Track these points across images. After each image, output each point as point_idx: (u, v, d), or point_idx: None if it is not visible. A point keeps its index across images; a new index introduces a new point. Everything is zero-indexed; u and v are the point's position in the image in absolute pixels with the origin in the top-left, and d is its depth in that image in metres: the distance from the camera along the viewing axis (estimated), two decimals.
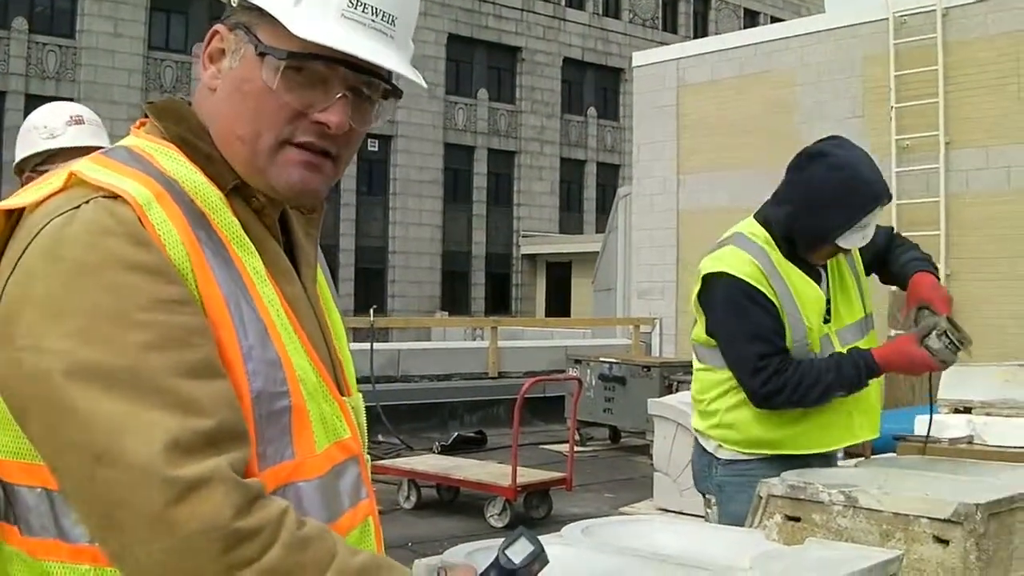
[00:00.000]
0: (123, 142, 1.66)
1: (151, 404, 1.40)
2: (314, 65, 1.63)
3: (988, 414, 6.57)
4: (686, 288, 19.03)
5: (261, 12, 1.62)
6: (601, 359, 15.04)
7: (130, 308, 1.43)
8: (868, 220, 3.88)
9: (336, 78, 1.65)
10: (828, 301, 4.07)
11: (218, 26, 1.68)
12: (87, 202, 1.49)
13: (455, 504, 10.74)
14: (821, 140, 4.07)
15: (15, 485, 1.51)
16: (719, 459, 4.13)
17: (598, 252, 27.59)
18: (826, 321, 4.05)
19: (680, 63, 19.96)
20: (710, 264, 4.07)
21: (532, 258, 48.03)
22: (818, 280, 4.06)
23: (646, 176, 20.55)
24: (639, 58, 21.27)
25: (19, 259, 1.47)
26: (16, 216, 1.54)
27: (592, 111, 51.12)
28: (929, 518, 3.11)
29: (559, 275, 46.29)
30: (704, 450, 4.21)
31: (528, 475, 10.25)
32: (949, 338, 3.83)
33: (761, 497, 3.42)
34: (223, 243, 1.59)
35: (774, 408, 3.96)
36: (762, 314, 3.92)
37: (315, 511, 1.60)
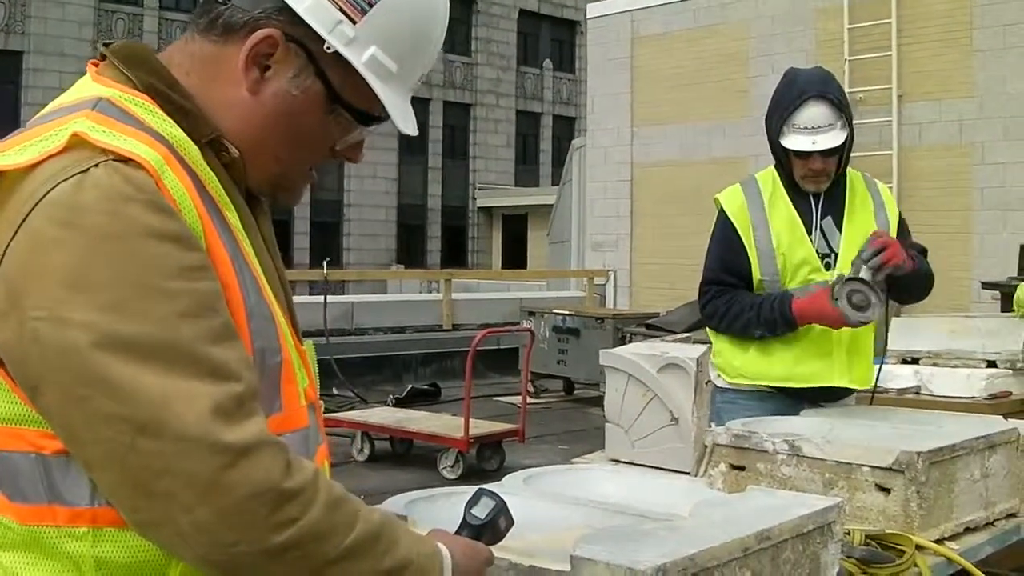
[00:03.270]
0: (96, 91, 1.58)
1: (189, 373, 1.40)
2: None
3: (935, 364, 6.66)
4: (640, 240, 19.23)
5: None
6: (555, 311, 15.05)
7: (158, 277, 1.41)
8: (804, 120, 4.00)
9: None
10: (834, 252, 4.15)
11: (272, 32, 1.61)
12: (96, 165, 1.43)
13: (408, 456, 10.74)
14: None
15: (2, 451, 1.48)
16: (717, 387, 4.43)
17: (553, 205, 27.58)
18: (828, 267, 4.13)
19: (634, 15, 19.89)
20: (719, 195, 4.35)
21: (488, 211, 47.96)
22: (809, 218, 4.16)
23: (600, 128, 20.53)
24: (593, 9, 21.18)
25: (21, 224, 1.41)
26: None
27: (548, 63, 50.94)
28: (871, 466, 3.14)
29: (515, 228, 46.25)
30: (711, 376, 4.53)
31: (481, 427, 10.27)
32: (852, 299, 3.85)
33: (706, 446, 3.43)
34: (214, 202, 1.57)
35: (713, 330, 4.33)
36: (724, 247, 4.23)
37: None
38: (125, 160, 1.45)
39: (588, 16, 21.30)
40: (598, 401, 13.00)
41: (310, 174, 1.77)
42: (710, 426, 4.27)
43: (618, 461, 8.68)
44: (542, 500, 2.72)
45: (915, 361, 6.75)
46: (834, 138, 4.01)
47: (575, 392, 15.08)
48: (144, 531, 1.43)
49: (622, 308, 18.23)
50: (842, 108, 4.04)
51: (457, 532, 1.75)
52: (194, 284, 1.44)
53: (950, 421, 3.85)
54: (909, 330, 6.99)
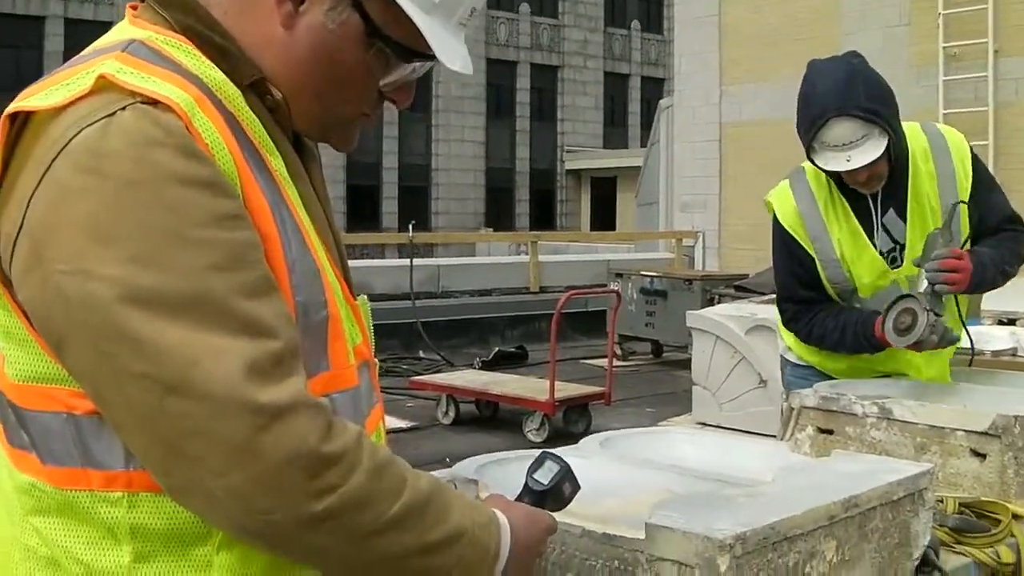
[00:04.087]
0: (131, 33, 1.49)
1: (220, 329, 1.32)
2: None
3: None
4: (729, 201, 19.05)
5: None
6: (642, 273, 14.94)
7: (187, 227, 1.32)
8: (832, 138, 3.60)
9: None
10: (900, 246, 3.85)
11: None
12: (123, 108, 1.34)
13: (494, 420, 10.71)
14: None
15: (33, 411, 1.43)
16: (787, 360, 4.27)
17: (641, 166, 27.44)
18: (894, 262, 3.86)
19: None
20: (770, 198, 4.06)
21: (576, 173, 47.91)
22: (869, 219, 3.85)
23: (687, 87, 20.30)
24: None
25: (45, 172, 1.33)
26: (22, 120, 1.40)
27: (636, 24, 50.65)
28: (966, 431, 3.03)
29: (604, 190, 46.15)
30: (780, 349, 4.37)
31: (567, 390, 10.20)
32: (897, 322, 3.60)
33: (793, 408, 3.33)
34: (255, 147, 1.49)
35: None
36: (791, 260, 3.96)
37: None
38: (154, 103, 1.36)
39: None
40: (686, 364, 12.88)
41: (364, 116, 1.66)
42: (782, 396, 4.14)
43: (705, 424, 8.59)
44: (619, 464, 2.64)
45: (1012, 323, 6.54)
46: (870, 151, 3.60)
47: (663, 355, 14.96)
48: (177, 496, 1.36)
49: (711, 270, 18.07)
50: (872, 117, 3.59)
51: (518, 498, 1.67)
52: (227, 234, 1.35)
53: None
54: (1005, 289, 6.78)
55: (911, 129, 3.86)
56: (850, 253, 3.86)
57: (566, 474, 1.69)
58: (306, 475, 1.32)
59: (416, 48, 1.57)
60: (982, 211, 3.85)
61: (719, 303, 12.17)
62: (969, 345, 4.05)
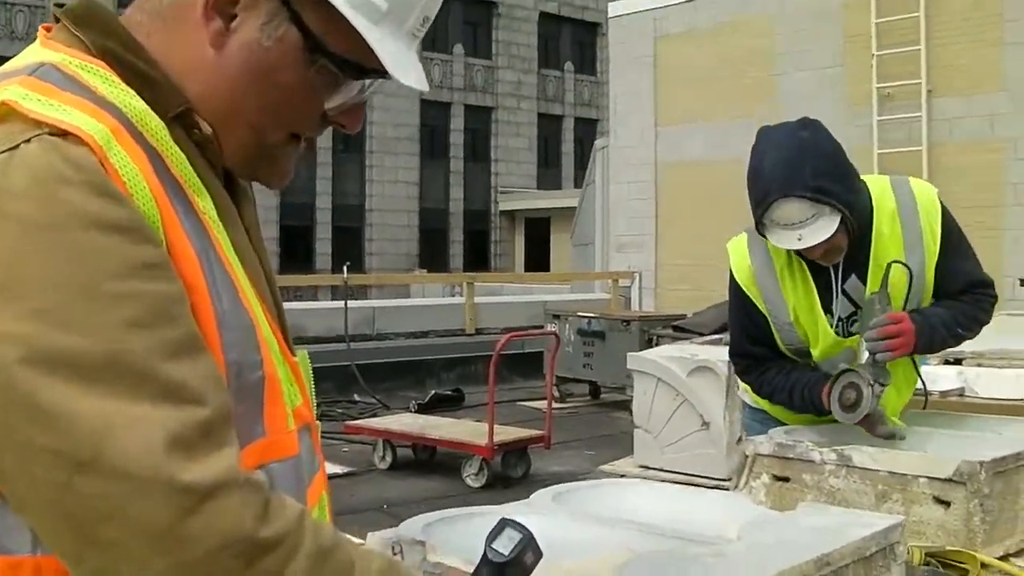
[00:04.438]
0: (41, 56, 1.34)
1: (139, 396, 1.15)
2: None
3: (979, 365, 6.41)
4: (665, 241, 19.03)
5: None
6: (579, 314, 14.89)
7: (101, 278, 1.16)
8: (780, 217, 3.42)
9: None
10: (859, 309, 3.67)
11: None
12: (27, 141, 1.19)
13: (431, 464, 10.55)
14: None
15: None
16: (744, 401, 4.23)
17: (576, 207, 27.48)
18: (851, 334, 3.68)
19: (656, 13, 19.69)
20: (728, 248, 3.90)
21: (510, 214, 47.95)
22: (829, 284, 3.67)
23: (623, 128, 20.34)
24: (615, 8, 20.98)
25: None
26: None
27: (569, 66, 50.91)
28: (929, 477, 2.95)
29: (538, 231, 46.22)
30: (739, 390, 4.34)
31: (505, 433, 10.06)
32: (842, 398, 3.45)
33: (747, 456, 3.22)
34: (180, 185, 1.31)
35: None
36: (743, 318, 3.86)
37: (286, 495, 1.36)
38: (63, 134, 1.20)
39: (609, 15, 21.11)
40: (625, 405, 12.84)
41: (297, 146, 1.48)
42: (740, 438, 4.04)
43: (648, 467, 8.47)
44: (574, 520, 2.50)
45: (958, 362, 6.49)
46: (821, 229, 3.41)
47: (601, 396, 14.90)
48: None
49: (648, 310, 18.04)
50: (820, 197, 3.39)
51: (476, 570, 1.51)
52: (147, 285, 1.19)
53: (1010, 425, 3.62)
54: None
55: (879, 187, 3.69)
56: (804, 320, 3.72)
57: (528, 543, 1.53)
58: (241, 564, 1.16)
59: (365, 63, 1.40)
60: (948, 274, 3.69)
61: (657, 344, 12.11)
62: (922, 387, 3.95)
